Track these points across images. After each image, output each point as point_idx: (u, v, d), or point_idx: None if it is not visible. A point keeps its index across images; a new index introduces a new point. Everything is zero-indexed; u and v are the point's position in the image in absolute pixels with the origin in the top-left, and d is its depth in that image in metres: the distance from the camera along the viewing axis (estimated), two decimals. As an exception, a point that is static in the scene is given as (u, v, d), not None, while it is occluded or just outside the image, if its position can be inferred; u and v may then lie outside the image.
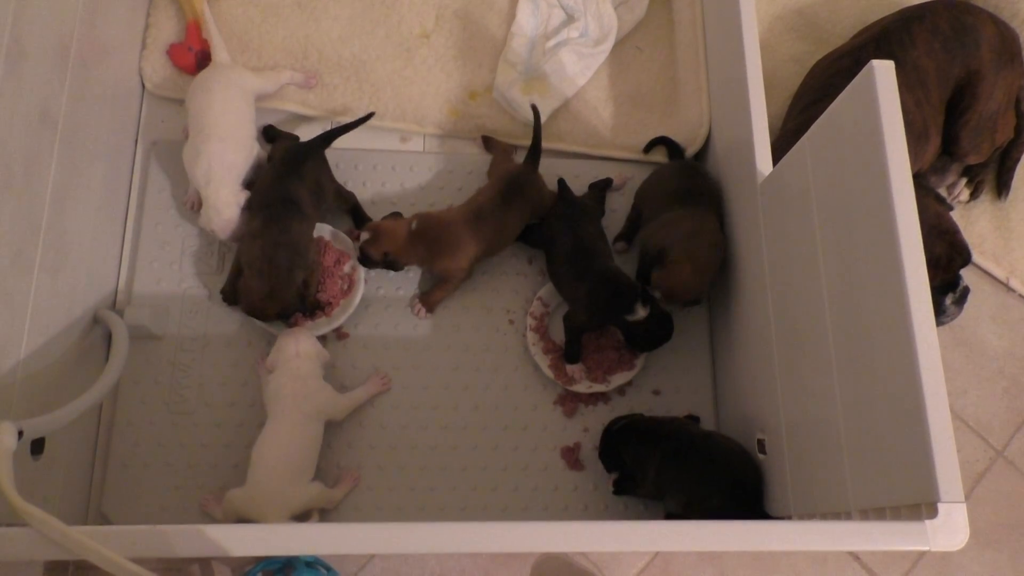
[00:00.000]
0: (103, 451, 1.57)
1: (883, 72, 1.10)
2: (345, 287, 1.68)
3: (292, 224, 1.56)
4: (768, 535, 1.02)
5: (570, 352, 1.65)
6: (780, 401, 1.40)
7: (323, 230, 1.70)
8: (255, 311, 1.56)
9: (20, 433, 1.02)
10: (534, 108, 1.70)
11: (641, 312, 1.55)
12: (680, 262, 1.56)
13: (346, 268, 1.69)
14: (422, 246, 1.62)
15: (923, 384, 0.98)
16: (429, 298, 1.69)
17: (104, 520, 1.54)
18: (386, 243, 1.61)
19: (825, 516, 1.22)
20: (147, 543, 0.96)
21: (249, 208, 1.60)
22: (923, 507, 0.97)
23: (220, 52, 1.74)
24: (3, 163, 1.23)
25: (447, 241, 1.63)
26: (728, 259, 1.65)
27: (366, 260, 1.63)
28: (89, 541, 0.88)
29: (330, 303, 1.66)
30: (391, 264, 1.63)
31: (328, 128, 1.71)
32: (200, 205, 1.64)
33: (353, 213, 1.74)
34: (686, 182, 1.68)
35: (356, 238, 1.68)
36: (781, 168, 1.41)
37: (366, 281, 1.69)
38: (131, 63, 1.74)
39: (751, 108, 1.50)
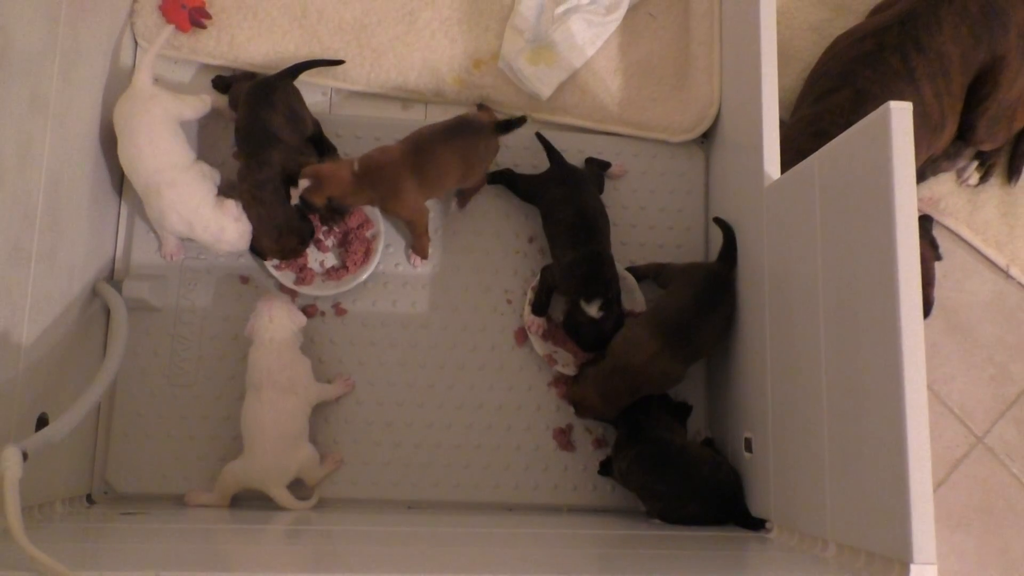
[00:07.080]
0: (105, 422, 1.61)
1: (899, 115, 1.06)
2: (363, 252, 1.68)
3: (272, 155, 1.56)
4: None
5: (537, 303, 1.67)
6: (769, 407, 1.42)
7: None
8: (283, 257, 1.63)
9: (25, 456, 1.04)
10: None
11: (592, 311, 1.56)
12: (591, 378, 1.57)
13: (368, 234, 1.69)
14: (369, 187, 1.56)
15: (909, 446, 1.00)
16: (416, 249, 1.70)
17: (108, 488, 1.59)
18: (329, 188, 1.53)
19: (803, 537, 1.27)
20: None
21: (237, 147, 1.61)
22: (896, 564, 1.01)
23: (140, 73, 1.57)
24: (-6, 159, 1.20)
25: (389, 182, 1.57)
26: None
27: (308, 207, 1.55)
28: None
29: (346, 268, 1.67)
30: (337, 209, 1.57)
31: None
32: (177, 252, 1.66)
33: (317, 140, 1.69)
34: (697, 317, 1.55)
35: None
36: (789, 178, 1.38)
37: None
38: (122, 20, 1.66)
39: (763, 109, 1.46)
